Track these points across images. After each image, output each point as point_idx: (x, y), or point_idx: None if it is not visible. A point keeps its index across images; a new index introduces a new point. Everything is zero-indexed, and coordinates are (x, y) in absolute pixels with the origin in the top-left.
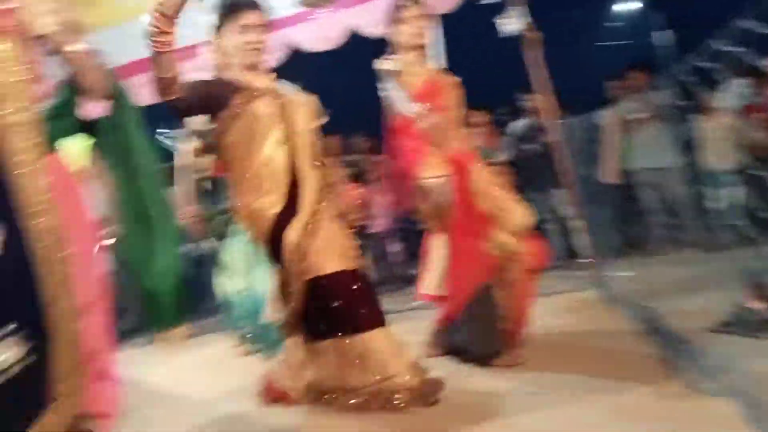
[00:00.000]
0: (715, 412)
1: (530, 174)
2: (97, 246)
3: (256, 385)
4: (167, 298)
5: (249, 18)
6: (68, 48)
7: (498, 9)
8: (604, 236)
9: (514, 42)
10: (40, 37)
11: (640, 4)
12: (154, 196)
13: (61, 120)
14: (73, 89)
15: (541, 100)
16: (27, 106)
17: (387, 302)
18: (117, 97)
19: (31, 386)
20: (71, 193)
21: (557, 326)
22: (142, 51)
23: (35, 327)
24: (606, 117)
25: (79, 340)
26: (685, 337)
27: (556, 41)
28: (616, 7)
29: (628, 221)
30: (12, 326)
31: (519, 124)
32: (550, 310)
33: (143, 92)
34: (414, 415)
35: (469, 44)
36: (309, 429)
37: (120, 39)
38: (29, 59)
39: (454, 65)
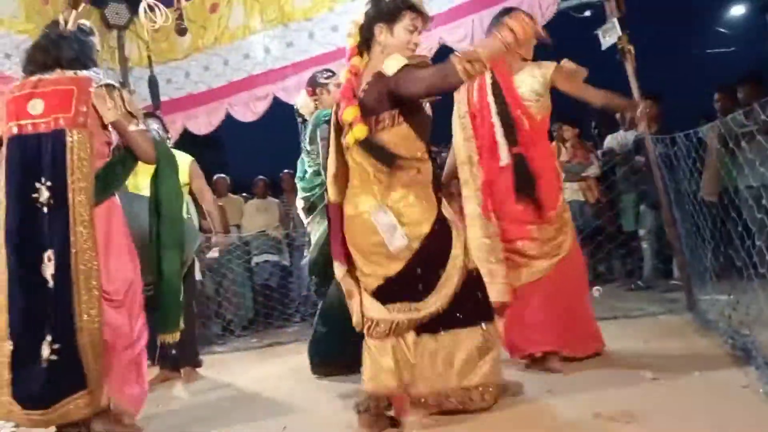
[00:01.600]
0: None
1: (627, 189)
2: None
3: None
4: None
5: (419, 21)
6: (128, 129)
7: (593, 21)
8: (701, 257)
9: (610, 54)
10: (107, 125)
11: (754, 11)
12: (170, 225)
13: (116, 175)
14: (129, 154)
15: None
16: (88, 176)
17: None
18: (159, 160)
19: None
20: (115, 223)
21: (646, 350)
22: (244, 71)
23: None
24: (709, 131)
25: (102, 336)
26: None
27: (663, 51)
28: (730, 13)
29: (727, 242)
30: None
31: (617, 137)
32: (639, 333)
33: (240, 109)
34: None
35: (563, 57)
36: None
37: (226, 59)
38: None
39: None
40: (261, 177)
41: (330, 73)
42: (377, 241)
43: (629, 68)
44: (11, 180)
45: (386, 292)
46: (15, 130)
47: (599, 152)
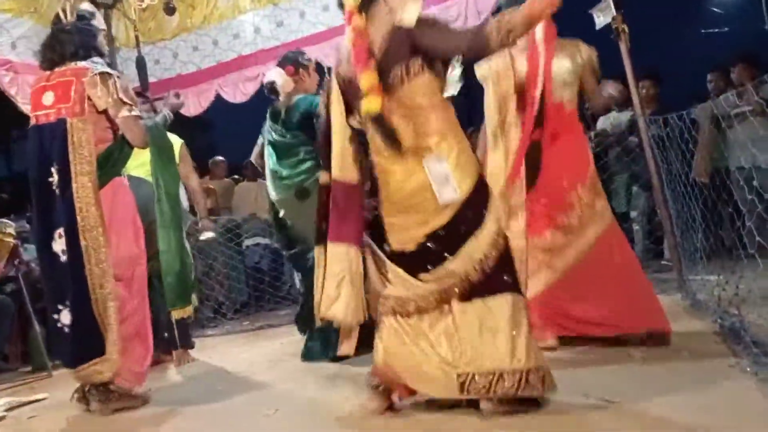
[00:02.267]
0: None
1: (620, 171)
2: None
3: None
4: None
5: None
6: (118, 116)
7: (587, 0)
8: (692, 238)
9: (604, 34)
10: (102, 111)
11: None
12: (168, 206)
13: (114, 158)
14: (123, 140)
15: (632, 93)
16: (89, 160)
17: None
18: (151, 143)
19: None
20: (120, 203)
21: None
22: (233, 51)
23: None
24: (701, 112)
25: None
26: None
27: (658, 31)
28: None
29: (718, 223)
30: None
31: (609, 119)
32: None
33: (230, 90)
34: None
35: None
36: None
37: (215, 39)
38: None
39: None
40: (251, 160)
41: (307, 56)
42: (424, 196)
43: (623, 48)
44: (33, 166)
45: (421, 258)
46: (33, 121)
47: (592, 133)
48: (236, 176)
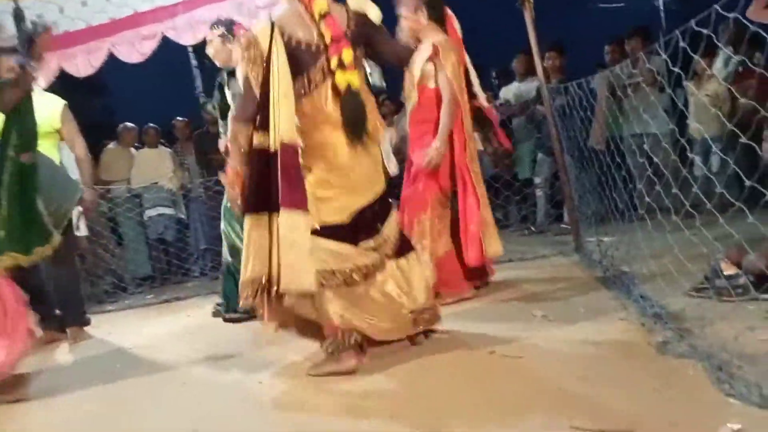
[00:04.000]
0: (684, 373)
1: (524, 138)
2: None
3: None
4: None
5: None
6: None
7: None
8: (588, 202)
9: (511, 3)
10: None
11: None
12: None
13: None
14: None
15: (536, 63)
16: None
17: None
18: None
19: None
20: None
21: (537, 290)
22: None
23: None
24: (599, 80)
25: None
26: (659, 301)
27: (561, 3)
28: None
29: (612, 187)
30: None
31: (511, 89)
32: (532, 274)
33: (124, 49)
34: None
35: (464, 5)
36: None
37: None
38: None
39: None
40: (152, 125)
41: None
42: (369, 170)
43: (528, 19)
44: None
45: (356, 228)
46: None
47: (497, 103)
48: (137, 144)
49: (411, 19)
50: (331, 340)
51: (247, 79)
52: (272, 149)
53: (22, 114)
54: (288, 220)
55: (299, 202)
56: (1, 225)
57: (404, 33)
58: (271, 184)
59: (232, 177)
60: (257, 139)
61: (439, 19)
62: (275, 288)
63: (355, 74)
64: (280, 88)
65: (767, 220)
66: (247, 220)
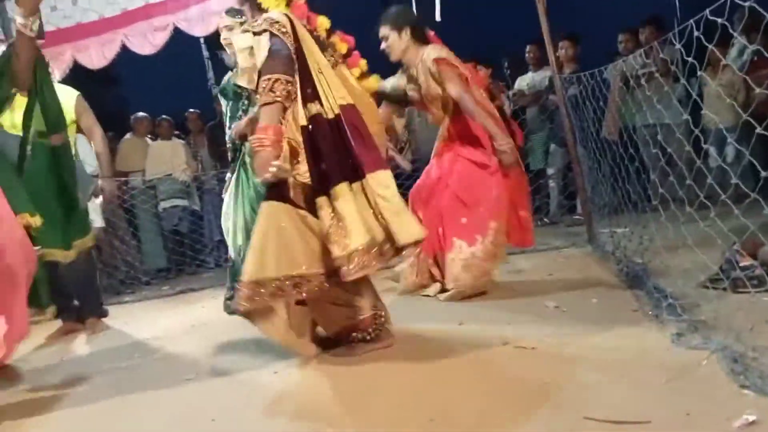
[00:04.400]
0: (699, 365)
1: (537, 129)
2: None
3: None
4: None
5: None
6: None
7: None
8: (601, 193)
9: None
10: None
11: None
12: None
13: None
14: None
15: (548, 53)
16: None
17: None
18: None
19: None
20: None
21: (550, 281)
22: None
23: None
24: (612, 70)
25: None
26: (673, 293)
27: None
28: None
29: (625, 178)
30: None
31: (525, 79)
32: (545, 266)
33: (137, 41)
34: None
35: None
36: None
37: None
38: None
39: (454, 19)
40: (165, 117)
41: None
42: None
43: (540, 7)
44: None
45: None
46: None
47: (510, 93)
48: (149, 135)
49: (394, 39)
50: (369, 325)
51: (281, 41)
52: (330, 116)
53: (43, 92)
54: (376, 181)
55: (379, 162)
56: (40, 217)
57: (393, 53)
58: (339, 153)
59: (276, 134)
60: (312, 109)
61: (421, 39)
62: (393, 246)
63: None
64: (319, 60)
65: None
66: (336, 192)
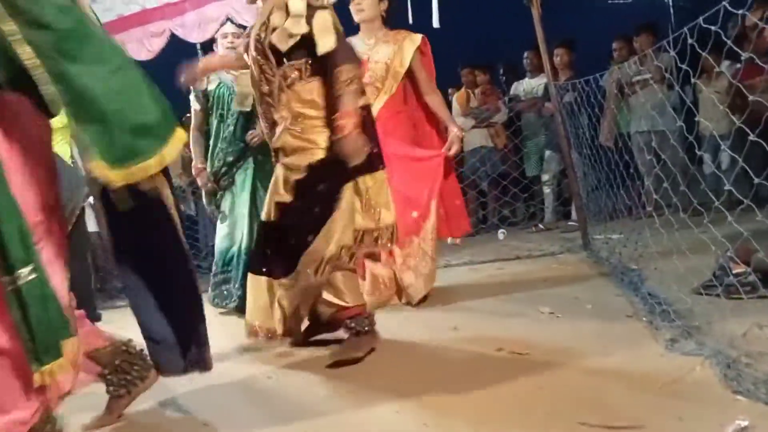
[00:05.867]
0: (692, 371)
1: (532, 135)
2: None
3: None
4: None
5: None
6: None
7: None
8: (596, 199)
9: (518, 0)
10: None
11: None
12: None
13: None
14: None
15: (543, 60)
16: None
17: None
18: None
19: None
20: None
21: (545, 287)
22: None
23: None
24: (606, 79)
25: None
26: (667, 299)
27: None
28: None
29: (620, 185)
30: None
31: (522, 84)
32: (539, 272)
33: (133, 47)
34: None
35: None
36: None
37: None
38: None
39: (452, 24)
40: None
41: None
42: None
43: (535, 14)
44: None
45: None
46: None
47: (506, 99)
48: None
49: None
50: (362, 319)
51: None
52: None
53: None
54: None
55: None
56: None
57: (365, 12)
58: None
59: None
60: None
61: (388, 21)
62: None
63: None
64: None
65: None
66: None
